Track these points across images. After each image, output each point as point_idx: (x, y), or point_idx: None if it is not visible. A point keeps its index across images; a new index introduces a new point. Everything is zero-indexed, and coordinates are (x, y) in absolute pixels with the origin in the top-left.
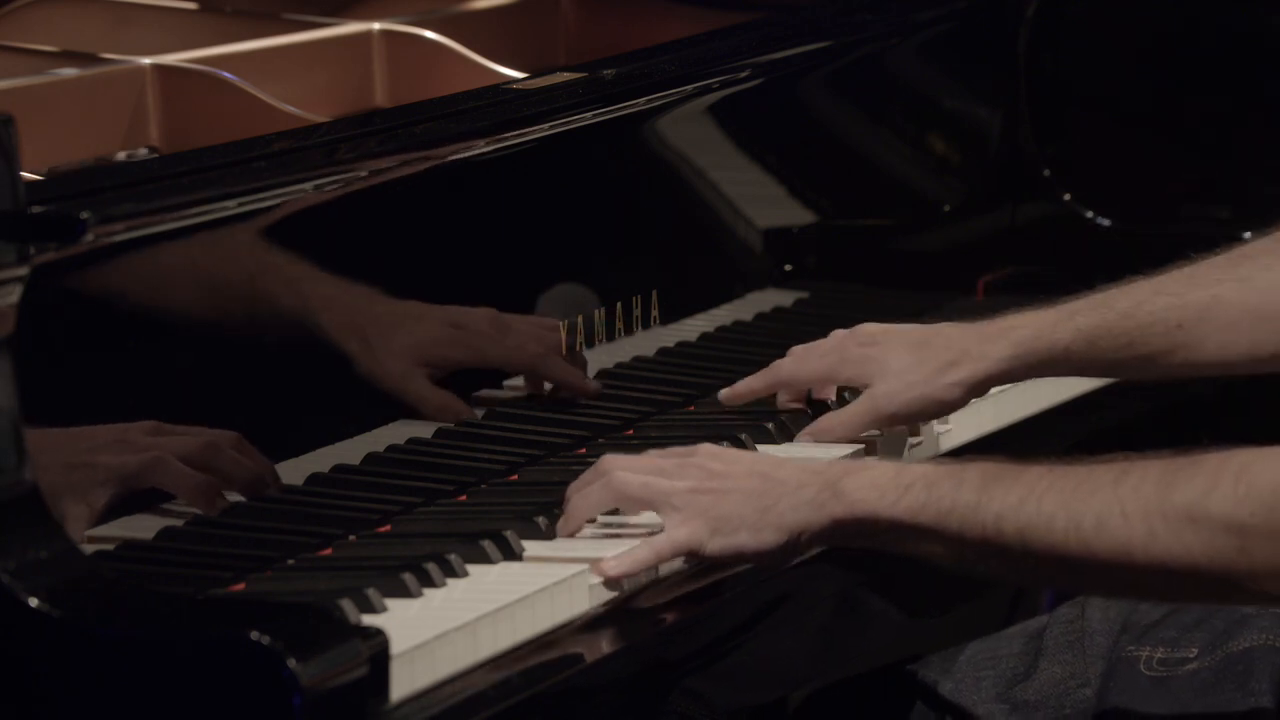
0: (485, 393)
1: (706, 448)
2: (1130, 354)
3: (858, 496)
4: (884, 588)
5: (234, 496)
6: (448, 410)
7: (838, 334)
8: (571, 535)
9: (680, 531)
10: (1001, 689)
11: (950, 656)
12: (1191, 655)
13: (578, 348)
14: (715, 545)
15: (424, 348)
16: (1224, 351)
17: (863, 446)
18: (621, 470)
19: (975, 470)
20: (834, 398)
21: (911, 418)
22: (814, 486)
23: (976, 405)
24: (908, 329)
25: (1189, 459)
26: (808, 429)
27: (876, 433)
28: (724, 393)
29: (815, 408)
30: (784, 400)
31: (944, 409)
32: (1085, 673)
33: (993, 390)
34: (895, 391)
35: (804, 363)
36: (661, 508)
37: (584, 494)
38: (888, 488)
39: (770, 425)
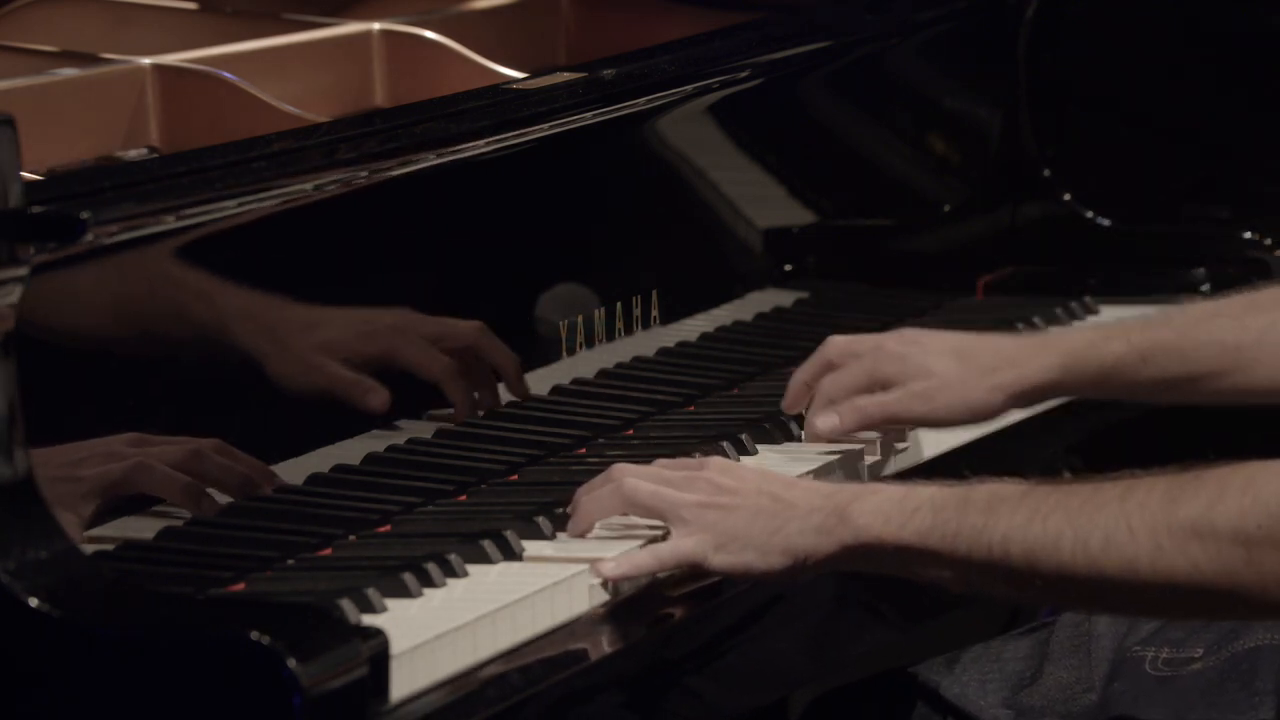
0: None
1: (717, 461)
2: (1183, 372)
3: (864, 522)
4: (884, 589)
5: (228, 498)
6: (368, 392)
7: (870, 337)
8: (580, 536)
9: (686, 542)
10: (1007, 693)
11: (954, 659)
12: (1197, 655)
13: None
14: (719, 560)
15: (332, 345)
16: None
17: (857, 448)
18: (632, 478)
19: (981, 492)
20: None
21: (947, 421)
22: (823, 512)
23: None
24: (951, 334)
25: (1194, 473)
26: (832, 410)
27: (873, 435)
28: (784, 403)
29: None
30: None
31: (981, 415)
32: (1091, 677)
33: None
34: (934, 391)
35: (846, 350)
36: (670, 518)
37: (594, 497)
38: (894, 512)
39: (769, 426)
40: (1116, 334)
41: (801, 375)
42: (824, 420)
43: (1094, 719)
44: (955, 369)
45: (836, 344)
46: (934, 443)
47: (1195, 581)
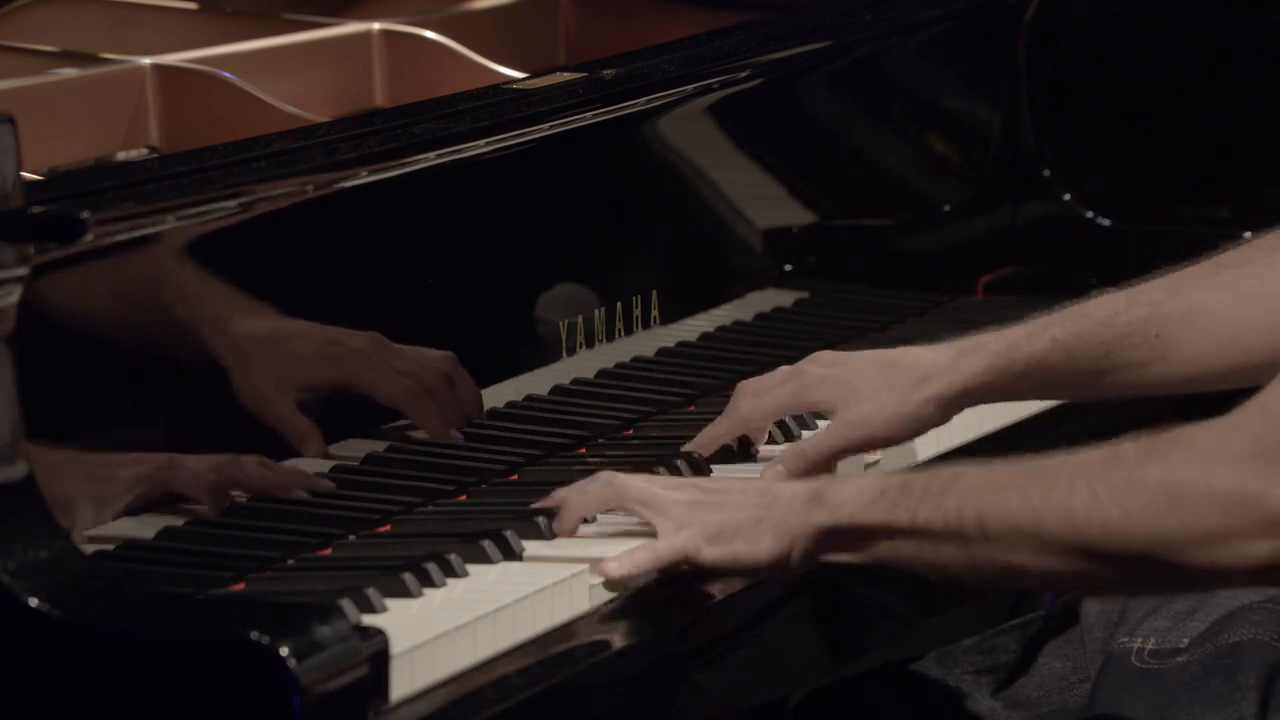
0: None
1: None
2: (1108, 364)
3: (839, 501)
4: (886, 585)
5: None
6: (307, 438)
7: (786, 367)
8: (569, 534)
9: (678, 538)
10: (1000, 685)
11: (948, 653)
12: (1183, 645)
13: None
14: (711, 553)
15: (288, 365)
16: (1201, 361)
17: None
18: (622, 476)
19: (948, 469)
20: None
21: (887, 440)
22: (802, 498)
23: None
24: (871, 352)
25: (1134, 435)
26: (776, 460)
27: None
28: (690, 445)
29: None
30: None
31: (920, 427)
32: (1085, 668)
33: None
34: (868, 415)
35: (761, 398)
36: (658, 513)
37: (580, 489)
38: (866, 490)
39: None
40: (1039, 331)
41: (717, 431)
42: (771, 475)
43: (1084, 711)
44: (884, 385)
45: (747, 386)
46: (933, 444)
47: (1126, 531)
